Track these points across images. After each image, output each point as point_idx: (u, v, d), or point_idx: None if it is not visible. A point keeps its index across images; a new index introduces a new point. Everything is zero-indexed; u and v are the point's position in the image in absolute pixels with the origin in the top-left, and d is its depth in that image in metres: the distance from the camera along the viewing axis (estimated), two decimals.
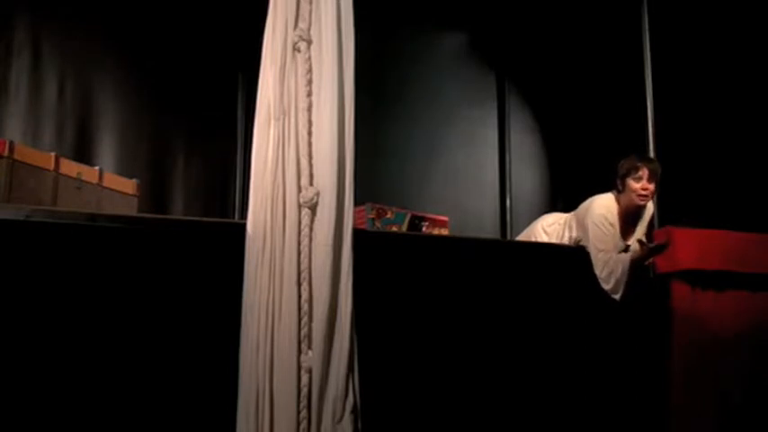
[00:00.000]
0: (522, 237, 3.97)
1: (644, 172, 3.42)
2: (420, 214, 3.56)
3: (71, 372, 2.48)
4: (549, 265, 3.36)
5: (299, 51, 2.61)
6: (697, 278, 3.35)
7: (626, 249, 3.54)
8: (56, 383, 2.46)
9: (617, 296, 3.30)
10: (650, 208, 3.58)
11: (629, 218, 3.53)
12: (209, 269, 2.66)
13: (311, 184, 2.54)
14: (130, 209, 3.20)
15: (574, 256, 3.41)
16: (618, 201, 3.50)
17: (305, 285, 2.47)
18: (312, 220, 2.52)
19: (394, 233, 3.34)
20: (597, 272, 3.33)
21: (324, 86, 2.60)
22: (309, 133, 2.58)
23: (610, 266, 3.31)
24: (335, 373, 2.45)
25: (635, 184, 3.43)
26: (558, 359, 3.22)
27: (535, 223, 3.88)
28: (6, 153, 2.69)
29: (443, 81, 5.06)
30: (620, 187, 3.49)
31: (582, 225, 3.50)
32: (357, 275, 2.53)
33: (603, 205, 3.48)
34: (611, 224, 3.44)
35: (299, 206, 2.51)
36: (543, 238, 3.71)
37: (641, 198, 3.45)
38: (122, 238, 2.62)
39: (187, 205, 4.29)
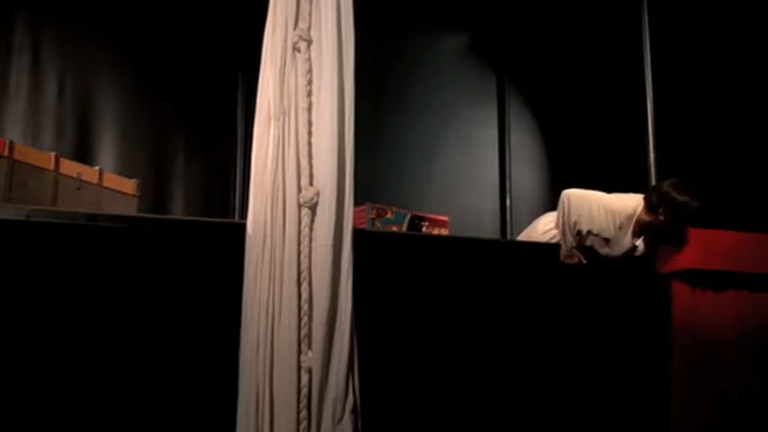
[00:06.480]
0: (522, 236, 3.97)
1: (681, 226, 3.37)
2: (420, 214, 3.55)
3: (71, 372, 2.47)
4: (549, 265, 3.36)
5: (299, 51, 2.61)
6: (697, 278, 3.35)
7: (634, 249, 3.53)
8: (56, 383, 2.45)
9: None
10: None
11: (645, 225, 3.52)
12: (210, 269, 2.66)
13: (311, 184, 2.54)
14: (130, 209, 3.20)
15: None
16: (644, 206, 3.50)
17: (305, 285, 2.46)
18: (312, 220, 2.51)
19: (394, 233, 3.34)
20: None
21: (324, 86, 2.59)
22: (309, 133, 2.57)
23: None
24: (335, 373, 2.45)
25: (660, 220, 3.42)
26: (559, 359, 3.21)
27: (535, 222, 3.88)
28: (6, 153, 2.68)
29: (443, 81, 5.06)
30: (654, 202, 3.44)
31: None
32: (357, 275, 2.52)
33: (632, 204, 3.49)
34: (619, 222, 3.46)
35: (299, 206, 2.51)
36: (544, 238, 3.71)
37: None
38: (122, 238, 2.62)
39: (187, 205, 4.29)
